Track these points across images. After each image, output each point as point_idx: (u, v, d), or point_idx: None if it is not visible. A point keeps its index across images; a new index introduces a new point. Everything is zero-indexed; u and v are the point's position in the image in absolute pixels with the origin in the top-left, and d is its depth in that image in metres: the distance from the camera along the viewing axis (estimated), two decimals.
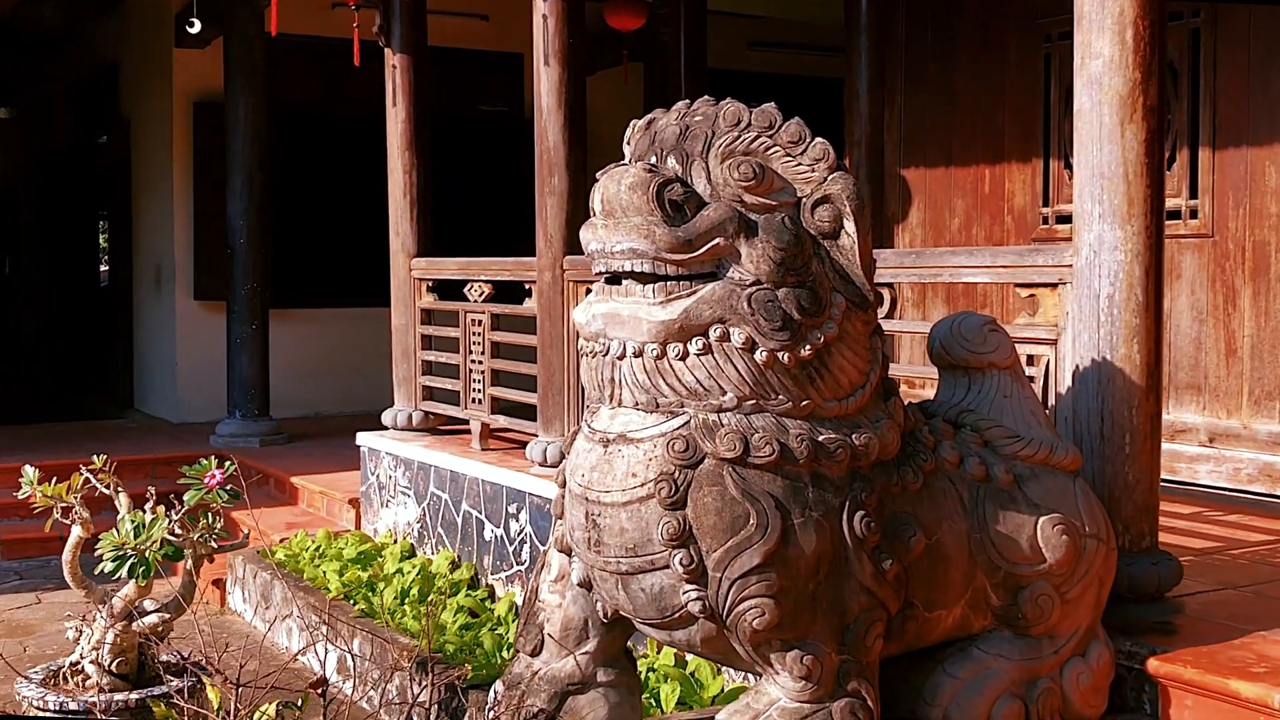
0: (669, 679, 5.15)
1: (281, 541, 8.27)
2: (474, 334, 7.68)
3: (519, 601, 6.60)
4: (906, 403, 3.55)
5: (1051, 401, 4.20)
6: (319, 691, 3.82)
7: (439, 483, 7.56)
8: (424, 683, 5.65)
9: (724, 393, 3.19)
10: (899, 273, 4.79)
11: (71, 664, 5.33)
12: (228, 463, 5.12)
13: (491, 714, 3.78)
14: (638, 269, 3.21)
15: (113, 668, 5.22)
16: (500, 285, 7.60)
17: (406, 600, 6.86)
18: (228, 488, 5.09)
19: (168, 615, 5.26)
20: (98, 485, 5.25)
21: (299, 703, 4.29)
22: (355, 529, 8.52)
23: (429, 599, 6.87)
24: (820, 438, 3.22)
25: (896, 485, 3.35)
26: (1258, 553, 5.07)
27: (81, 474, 5.23)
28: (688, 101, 3.43)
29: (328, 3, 11.18)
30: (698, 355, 3.18)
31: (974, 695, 3.50)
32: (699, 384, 3.19)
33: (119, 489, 5.25)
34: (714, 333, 3.17)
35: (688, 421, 3.21)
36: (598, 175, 3.29)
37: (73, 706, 5.09)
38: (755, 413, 3.21)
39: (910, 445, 3.44)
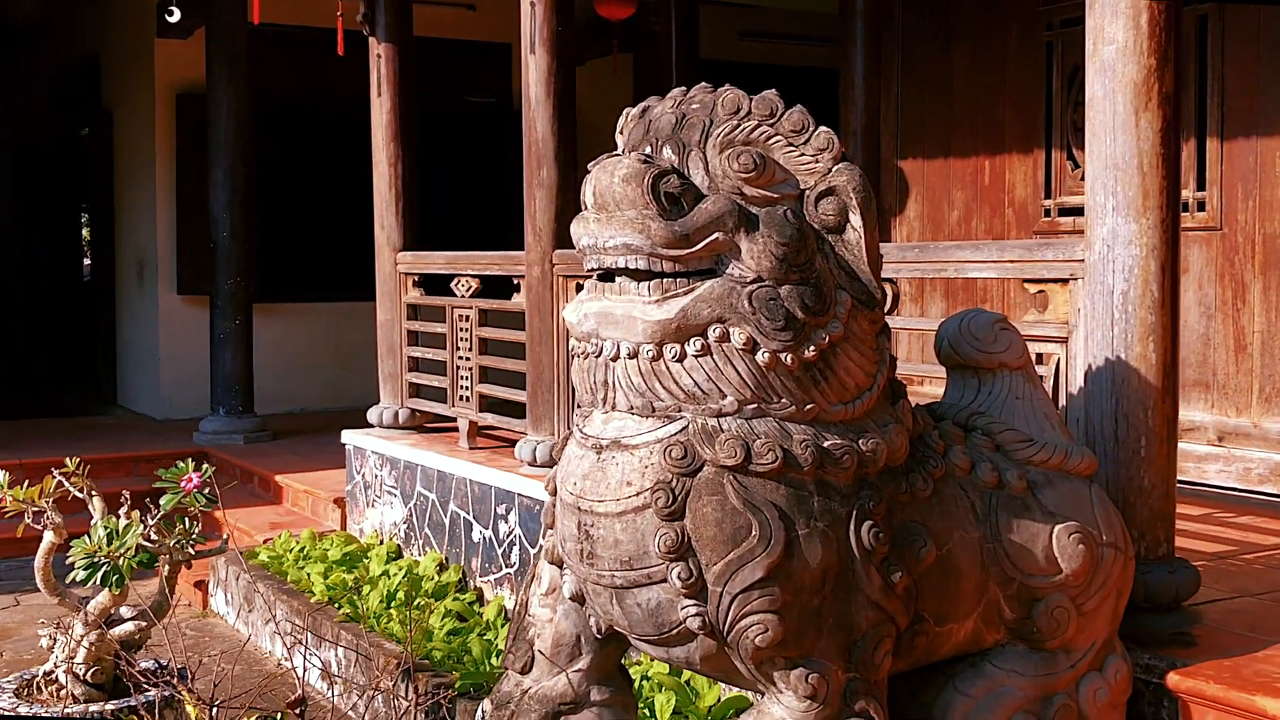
0: (664, 688, 4.98)
1: (265, 542, 8.12)
2: (461, 330, 7.51)
3: (508, 605, 6.45)
4: (913, 405, 3.37)
5: (1062, 402, 4.03)
6: (297, 712, 3.63)
7: (426, 482, 7.39)
8: (410, 692, 5.49)
9: (724, 396, 3.01)
10: (900, 267, 4.62)
11: (45, 673, 5.18)
12: (205, 465, 4.94)
13: None
14: (632, 265, 3.03)
15: (88, 677, 5.07)
16: (488, 280, 7.44)
17: (393, 603, 6.69)
18: (205, 490, 4.91)
19: (144, 624, 5.09)
20: (70, 489, 5.07)
21: (278, 717, 4.11)
22: (340, 529, 8.36)
23: (416, 603, 6.70)
24: (825, 443, 3.05)
25: (905, 493, 3.17)
26: (1274, 557, 4.91)
27: (54, 477, 5.06)
28: (684, 89, 3.25)
29: None
30: (696, 357, 3.00)
31: (987, 713, 3.32)
32: (697, 387, 3.01)
33: (93, 492, 5.07)
34: (713, 333, 2.99)
35: (686, 427, 3.04)
36: (589, 167, 3.11)
37: (46, 717, 4.93)
38: (757, 417, 3.03)
39: (919, 450, 3.27)
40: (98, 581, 4.71)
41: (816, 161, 3.10)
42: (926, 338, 6.60)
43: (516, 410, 7.05)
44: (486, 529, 6.79)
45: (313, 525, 8.41)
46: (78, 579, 4.75)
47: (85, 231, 16.11)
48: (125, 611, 5.19)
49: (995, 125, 7.52)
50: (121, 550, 4.66)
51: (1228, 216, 6.28)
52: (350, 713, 6.02)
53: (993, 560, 3.30)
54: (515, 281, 6.96)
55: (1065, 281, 4.04)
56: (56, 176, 15.96)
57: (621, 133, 3.30)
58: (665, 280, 3.02)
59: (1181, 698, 3.55)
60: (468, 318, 7.46)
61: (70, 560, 4.77)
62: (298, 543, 7.86)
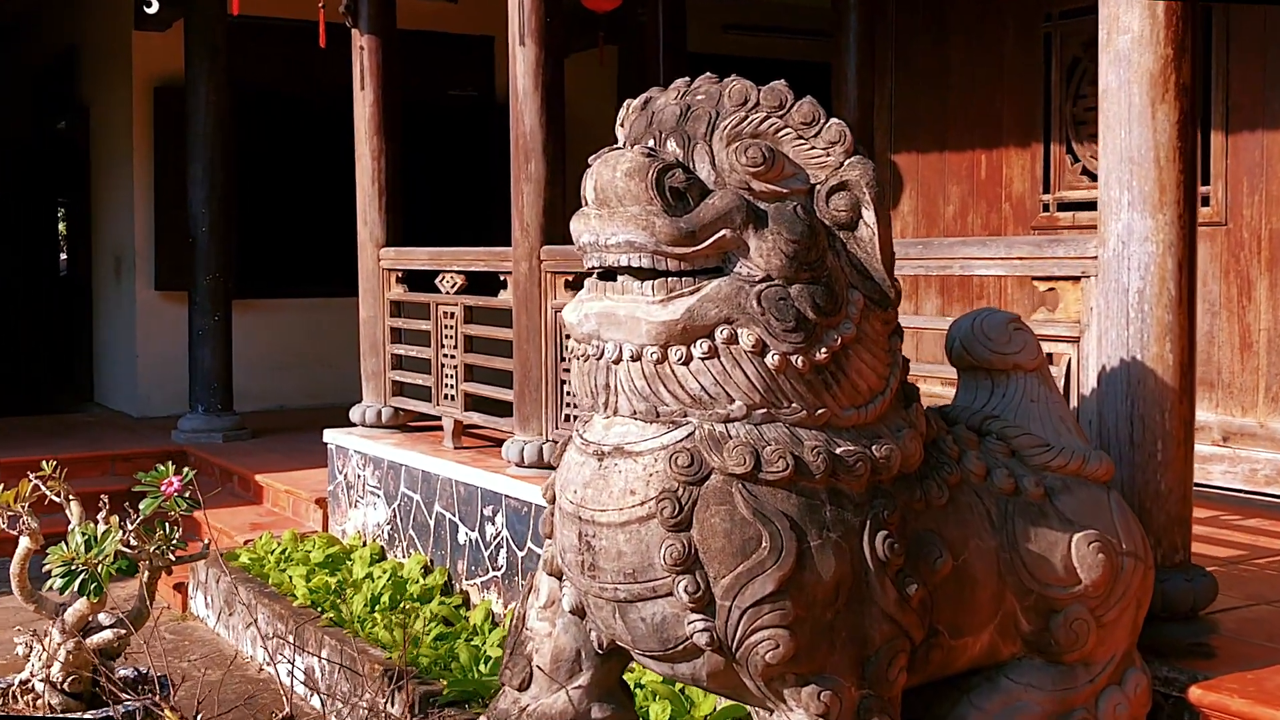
0: (658, 697, 4.84)
1: (246, 544, 7.97)
2: (446, 327, 7.37)
3: (495, 609, 6.31)
4: (924, 408, 3.23)
5: (1074, 404, 3.90)
6: None
7: (410, 483, 7.25)
8: (397, 700, 5.34)
9: (732, 401, 2.87)
10: (903, 265, 4.43)
11: (21, 682, 5.03)
12: (186, 469, 4.77)
13: None
14: (635, 264, 2.89)
15: (65, 686, 4.91)
16: (473, 277, 7.29)
17: (377, 607, 6.55)
18: (186, 494, 4.75)
19: (123, 632, 4.93)
20: (47, 493, 4.91)
21: None
22: (322, 530, 8.20)
23: (401, 607, 6.55)
24: (838, 450, 2.91)
25: (920, 501, 3.03)
26: None
27: (30, 480, 4.89)
28: (687, 80, 3.11)
29: None
30: (702, 359, 2.86)
31: None
32: (704, 391, 2.87)
33: (70, 497, 4.90)
34: (720, 334, 2.85)
35: (692, 433, 2.90)
36: (590, 160, 2.97)
37: None
38: (766, 423, 2.89)
39: (933, 456, 3.13)
40: (75, 590, 4.54)
41: (828, 155, 2.96)
42: (922, 335, 6.47)
43: (502, 409, 6.93)
44: (473, 531, 6.65)
45: (294, 526, 8.26)
46: (55, 587, 4.59)
47: (62, 226, 15.90)
48: (103, 619, 5.04)
49: (992, 119, 7.39)
50: (100, 558, 4.49)
51: (1233, 211, 6.15)
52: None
53: (1009, 570, 3.17)
54: (502, 278, 6.82)
55: (1077, 279, 3.91)
56: (33, 171, 15.75)
57: (622, 125, 3.16)
58: (670, 279, 2.88)
59: (1204, 712, 3.41)
60: (453, 315, 7.31)
61: (47, 568, 4.61)
62: (279, 544, 7.71)
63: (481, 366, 7.15)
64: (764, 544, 2.82)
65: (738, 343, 2.85)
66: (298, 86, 11.91)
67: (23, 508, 4.85)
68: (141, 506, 4.73)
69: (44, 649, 4.93)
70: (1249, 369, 6.10)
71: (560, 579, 3.27)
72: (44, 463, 4.94)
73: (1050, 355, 3.94)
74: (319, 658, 6.24)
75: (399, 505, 7.35)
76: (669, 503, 2.85)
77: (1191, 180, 3.70)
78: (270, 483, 9.01)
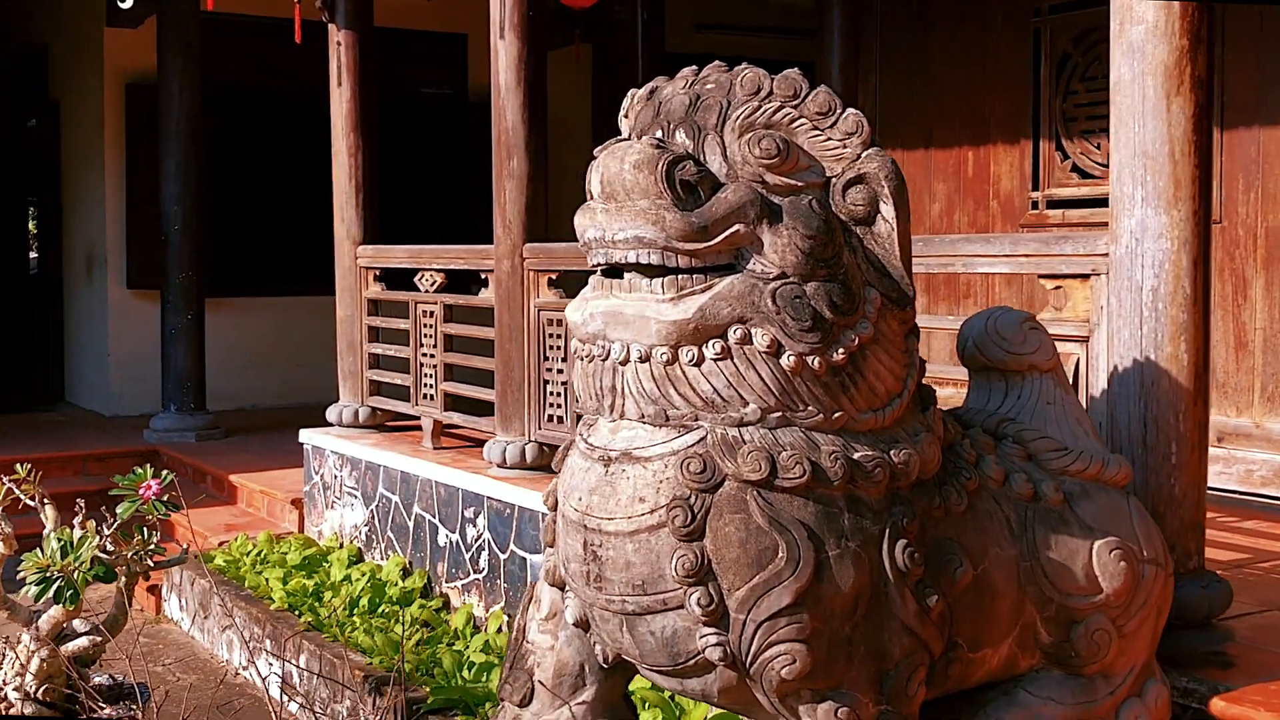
0: (649, 704, 4.71)
1: (221, 545, 7.83)
2: (425, 326, 7.23)
3: (477, 613, 6.18)
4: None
5: (1083, 405, 3.78)
6: None
7: (388, 483, 7.12)
8: (380, 705, 5.21)
9: (745, 404, 2.74)
10: None
11: None
12: (165, 472, 4.62)
13: None
14: (644, 260, 2.75)
15: (39, 695, 4.75)
16: (451, 275, 7.16)
17: (356, 610, 6.42)
18: (164, 498, 4.59)
19: (98, 638, 4.78)
20: (20, 496, 4.74)
21: None
22: (298, 531, 8.06)
23: (380, 610, 6.41)
24: (856, 455, 2.78)
25: (939, 508, 2.91)
26: None
27: (3, 483, 4.73)
28: (695, 68, 2.98)
29: None
30: (715, 360, 2.73)
31: None
32: (716, 394, 2.74)
33: (45, 500, 4.74)
34: (733, 334, 2.72)
35: (704, 437, 2.77)
36: (596, 152, 2.83)
37: None
38: (781, 427, 2.77)
39: (950, 461, 3.01)
40: (50, 597, 4.38)
41: (844, 147, 2.84)
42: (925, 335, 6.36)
43: (483, 409, 6.83)
44: (453, 533, 6.52)
45: (269, 527, 8.14)
46: (29, 594, 4.43)
47: (32, 224, 15.67)
48: (79, 625, 4.88)
49: (979, 115, 7.29)
50: (76, 564, 4.34)
51: (1228, 209, 6.06)
52: None
53: (1029, 579, 3.05)
54: (483, 276, 6.69)
55: (1086, 277, 3.81)
56: (3, 168, 15.53)
57: (627, 116, 3.02)
58: (680, 276, 2.75)
59: None
60: (432, 313, 7.18)
61: (21, 574, 4.45)
62: (254, 546, 7.58)
63: (461, 366, 7.02)
64: (780, 554, 2.69)
65: (752, 343, 2.72)
66: (272, 83, 11.79)
67: None
68: (119, 511, 4.58)
69: (17, 657, 4.77)
70: (1244, 369, 6.01)
71: (563, 590, 3.12)
72: (18, 465, 4.77)
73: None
74: (297, 664, 6.10)
75: (377, 506, 7.22)
76: (681, 511, 2.72)
77: (1207, 175, 3.60)
78: (244, 483, 8.86)
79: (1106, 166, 6.70)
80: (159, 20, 10.47)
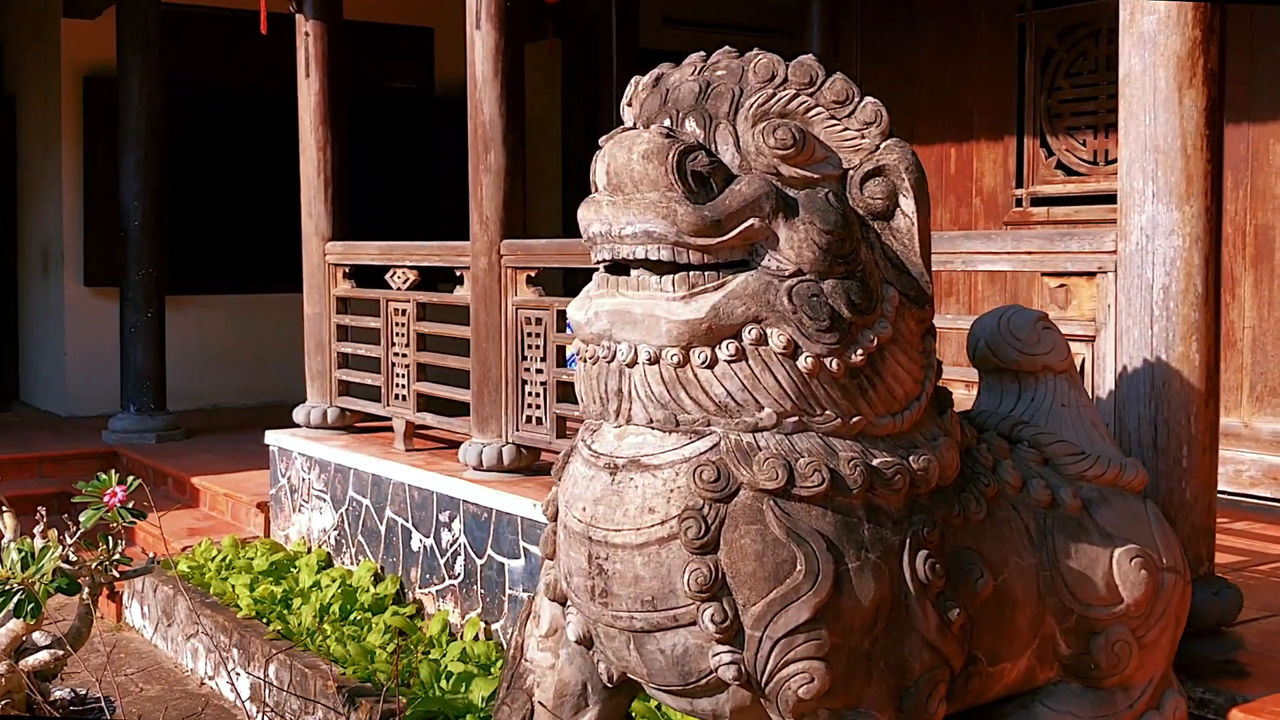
0: (638, 715, 4.57)
1: (184, 550, 7.61)
2: (397, 324, 7.06)
3: (453, 620, 6.02)
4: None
5: None
6: None
7: (359, 486, 6.94)
8: (356, 718, 5.04)
9: (760, 408, 2.60)
10: None
11: None
12: (131, 478, 4.44)
13: None
14: (653, 256, 2.61)
15: None
16: (425, 272, 6.99)
17: (327, 618, 6.23)
18: (130, 505, 4.41)
19: (60, 652, 4.59)
20: None
21: None
22: (264, 536, 7.86)
23: (352, 617, 6.24)
24: (875, 461, 2.65)
25: (958, 516, 2.78)
26: None
27: None
28: (703, 54, 2.84)
29: None
30: (728, 362, 2.59)
31: None
32: (730, 398, 2.60)
33: (4, 509, 4.55)
34: (748, 334, 2.58)
35: (717, 443, 2.62)
36: (601, 142, 2.68)
37: None
38: (798, 432, 2.63)
39: (968, 467, 2.88)
40: (10, 610, 4.19)
41: (862, 137, 2.70)
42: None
43: (456, 410, 6.66)
44: (427, 537, 6.36)
45: (233, 531, 7.92)
46: None
47: None
48: (39, 638, 4.69)
49: (962, 111, 7.18)
50: (38, 576, 4.15)
51: None
52: None
53: (1049, 590, 2.92)
54: (458, 273, 6.52)
55: (1092, 274, 3.69)
56: None
57: (630, 104, 2.87)
58: (692, 273, 2.60)
59: None
60: (404, 311, 7.01)
61: None
62: (219, 551, 7.37)
63: (435, 365, 6.85)
64: (799, 567, 2.55)
65: (767, 344, 2.58)
66: (235, 78, 11.58)
67: None
68: (82, 519, 4.39)
69: None
70: (1233, 368, 5.92)
71: (564, 605, 2.96)
72: None
73: None
74: (266, 674, 5.92)
75: (347, 510, 7.04)
76: (694, 522, 2.57)
77: (1219, 171, 3.50)
78: (208, 485, 8.64)
79: (1093, 163, 6.63)
80: (118, 11, 10.26)
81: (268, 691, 5.85)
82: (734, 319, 2.58)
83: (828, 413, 2.63)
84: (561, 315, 5.87)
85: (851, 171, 2.72)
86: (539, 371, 5.90)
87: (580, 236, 2.78)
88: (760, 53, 2.73)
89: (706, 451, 2.62)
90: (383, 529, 6.72)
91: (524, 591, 5.63)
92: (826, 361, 2.59)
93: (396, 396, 7.06)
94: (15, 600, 4.13)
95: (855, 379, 2.63)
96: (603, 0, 9.54)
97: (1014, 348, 3.20)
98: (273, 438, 7.84)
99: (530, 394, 5.97)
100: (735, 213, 2.58)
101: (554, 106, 11.73)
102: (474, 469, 6.17)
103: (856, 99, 2.71)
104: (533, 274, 6.00)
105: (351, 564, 6.96)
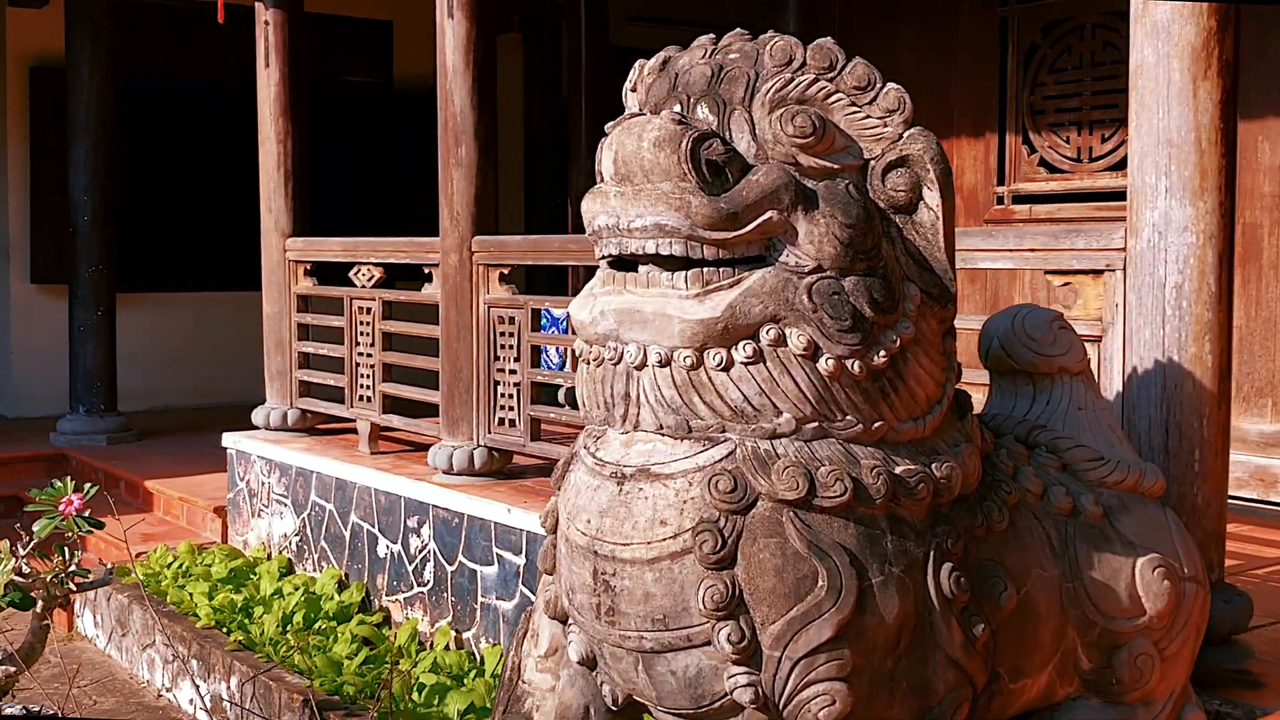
0: None
1: (138, 557, 7.35)
2: (362, 323, 6.86)
3: (422, 628, 5.84)
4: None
5: None
6: None
7: (322, 491, 6.74)
8: None
9: (779, 413, 2.44)
10: None
11: None
12: (88, 485, 4.23)
13: None
14: (665, 251, 2.44)
15: None
16: (391, 269, 6.80)
17: (290, 627, 6.03)
18: (86, 514, 4.21)
19: (11, 669, 4.37)
20: None
21: None
22: (222, 541, 7.64)
23: (316, 625, 6.04)
24: (898, 470, 2.49)
25: (981, 526, 2.63)
26: None
27: None
28: (713, 36, 2.68)
29: None
30: (745, 364, 2.42)
31: None
32: (747, 402, 2.44)
33: None
34: (766, 335, 2.42)
35: (732, 451, 2.46)
36: (607, 128, 2.52)
37: None
38: (818, 438, 2.47)
39: (988, 474, 2.73)
40: None
41: (885, 125, 2.56)
42: None
43: (423, 411, 6.47)
44: (394, 543, 6.17)
45: (190, 537, 7.70)
46: None
47: None
48: None
49: (943, 107, 7.06)
50: None
51: None
52: None
53: (1072, 602, 2.78)
54: (426, 271, 6.34)
55: (1100, 273, 3.57)
56: None
57: (634, 89, 2.70)
58: (706, 270, 2.44)
59: None
60: (369, 310, 6.81)
61: None
62: (175, 557, 7.15)
63: (401, 366, 6.66)
64: (820, 582, 2.39)
65: (786, 345, 2.42)
66: (189, 69, 11.32)
67: None
68: (35, 529, 4.18)
69: None
70: None
71: (565, 623, 2.77)
72: None
73: None
74: (228, 683, 5.72)
75: (309, 515, 6.84)
76: (709, 535, 2.41)
77: (1233, 166, 3.40)
78: (162, 489, 8.39)
79: (1077, 160, 6.52)
80: (66, 0, 9.99)
81: (229, 705, 5.65)
82: (751, 318, 2.42)
83: (849, 418, 2.47)
84: (536, 314, 5.71)
85: (873, 162, 2.57)
86: (512, 372, 5.73)
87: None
88: (776, 34, 2.57)
89: (722, 460, 2.46)
90: (347, 535, 6.53)
91: (497, 599, 5.46)
92: (848, 363, 2.44)
93: (361, 398, 6.86)
94: None
95: (877, 382, 2.48)
96: None
97: (1029, 348, 3.06)
98: (230, 440, 7.63)
99: (503, 395, 5.80)
100: (753, 205, 2.42)
101: (517, 102, 11.55)
102: (444, 472, 5.99)
103: (879, 85, 2.57)
104: (505, 271, 5.83)
105: (314, 571, 6.76)
